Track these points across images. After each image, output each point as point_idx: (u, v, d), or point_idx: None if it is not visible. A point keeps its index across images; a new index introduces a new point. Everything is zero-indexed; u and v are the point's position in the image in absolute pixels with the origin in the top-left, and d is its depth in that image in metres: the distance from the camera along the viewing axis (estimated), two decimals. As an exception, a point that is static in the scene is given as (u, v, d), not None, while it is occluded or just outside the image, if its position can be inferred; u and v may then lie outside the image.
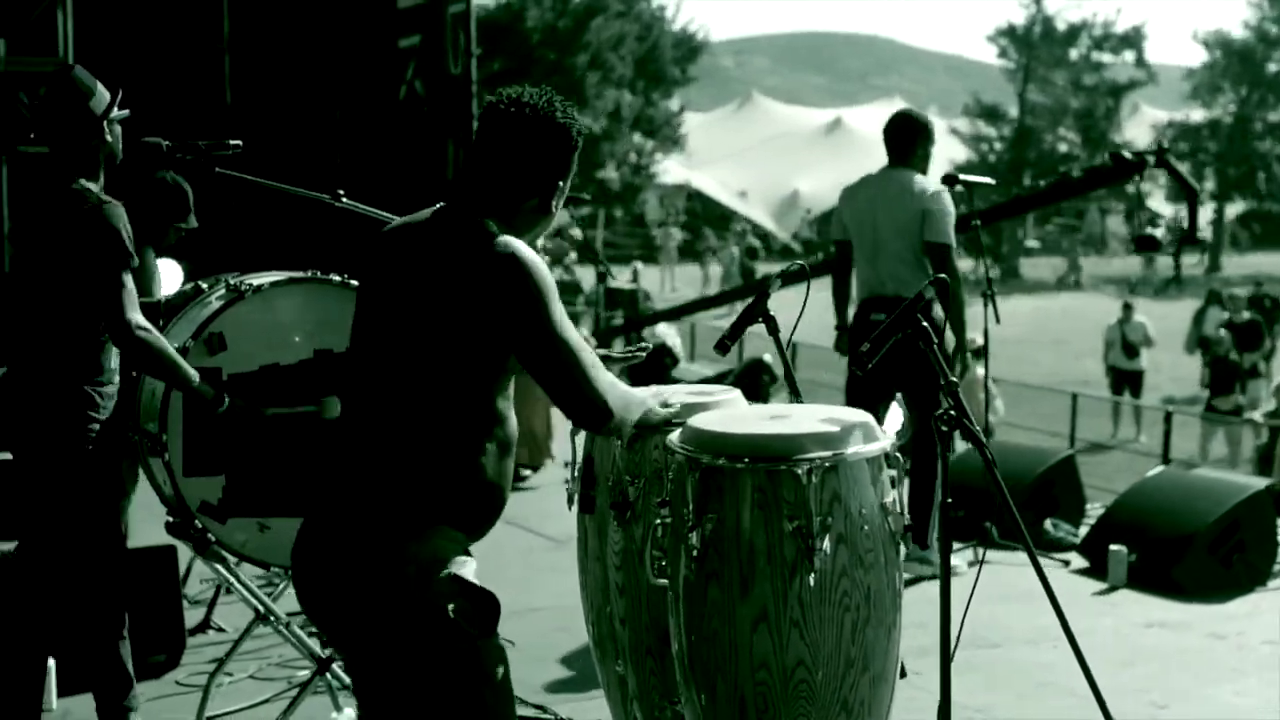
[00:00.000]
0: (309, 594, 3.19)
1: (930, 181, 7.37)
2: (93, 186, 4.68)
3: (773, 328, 4.06)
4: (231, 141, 5.15)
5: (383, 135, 15.79)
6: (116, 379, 4.85)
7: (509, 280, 3.07)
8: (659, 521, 3.53)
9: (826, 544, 3.32)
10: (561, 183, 3.28)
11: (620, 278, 31.68)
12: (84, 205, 4.61)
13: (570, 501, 4.05)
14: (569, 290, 21.30)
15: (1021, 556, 7.89)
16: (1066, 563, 7.90)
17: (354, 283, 5.16)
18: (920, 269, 7.24)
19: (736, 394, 4.00)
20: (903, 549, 3.47)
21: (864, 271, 7.47)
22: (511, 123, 3.24)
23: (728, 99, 72.84)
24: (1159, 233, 13.86)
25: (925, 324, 3.55)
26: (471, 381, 3.10)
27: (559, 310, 3.12)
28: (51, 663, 5.50)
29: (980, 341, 14.32)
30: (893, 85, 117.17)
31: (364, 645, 3.14)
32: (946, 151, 50.51)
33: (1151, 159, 9.42)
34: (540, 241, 9.56)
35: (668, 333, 16.59)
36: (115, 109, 4.81)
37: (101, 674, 4.94)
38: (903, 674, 3.87)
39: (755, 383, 13.79)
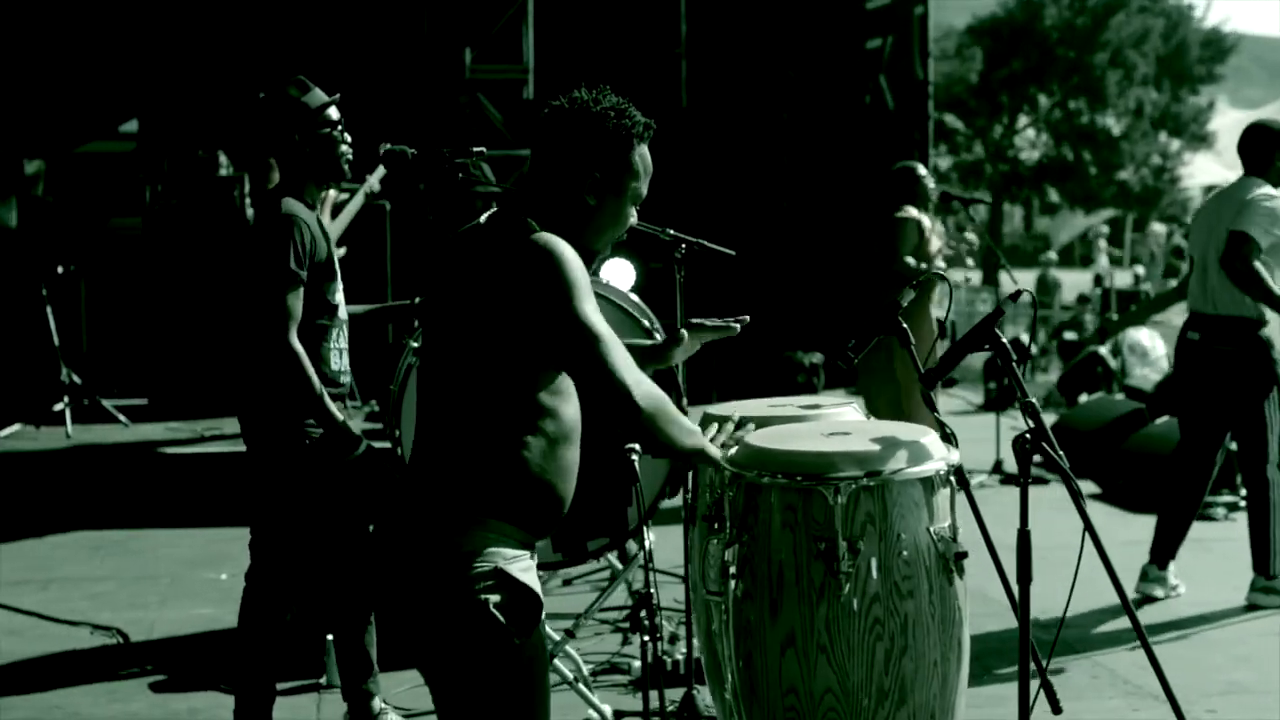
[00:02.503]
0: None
1: (1273, 189, 6.83)
2: (291, 199, 4.82)
3: (904, 340, 3.85)
4: (475, 148, 5.32)
5: (839, 137, 15.83)
6: (345, 380, 5.03)
7: (537, 269, 3.08)
8: (714, 537, 3.44)
9: (859, 567, 3.16)
10: (598, 173, 3.20)
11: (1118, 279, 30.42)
12: (270, 213, 4.79)
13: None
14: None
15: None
16: None
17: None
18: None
19: (850, 407, 3.84)
20: (958, 579, 3.26)
21: (1194, 287, 7.03)
22: (548, 119, 3.26)
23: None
24: None
25: (1004, 341, 3.32)
26: (509, 374, 3.12)
27: (588, 301, 3.08)
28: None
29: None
30: None
31: (412, 634, 3.21)
32: None
33: None
34: (936, 244, 9.35)
35: (1140, 335, 15.88)
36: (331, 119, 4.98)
37: (345, 658, 5.22)
38: (1056, 710, 3.63)
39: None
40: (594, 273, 5.53)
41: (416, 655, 3.24)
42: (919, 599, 3.20)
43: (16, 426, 10.39)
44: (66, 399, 10.07)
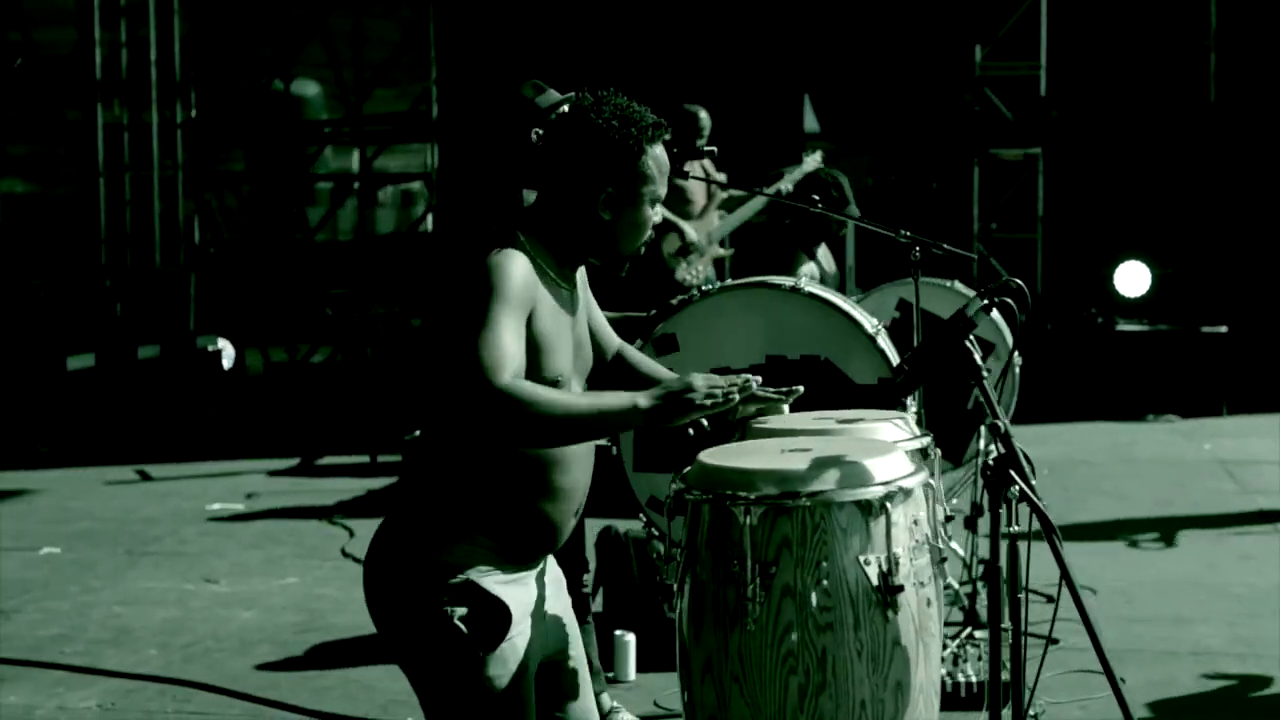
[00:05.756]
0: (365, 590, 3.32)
1: None
2: (529, 194, 4.97)
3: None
4: (705, 147, 5.28)
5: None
6: None
7: (465, 278, 2.99)
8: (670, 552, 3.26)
9: (772, 594, 2.93)
10: (610, 189, 3.07)
11: None
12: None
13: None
14: None
15: None
16: None
17: (807, 288, 5.09)
18: None
19: (890, 423, 3.52)
20: (893, 614, 2.95)
21: None
22: (551, 132, 3.18)
23: None
24: None
25: (976, 358, 2.96)
26: None
27: (502, 315, 2.91)
28: (631, 637, 5.93)
29: None
30: None
31: (390, 642, 3.25)
32: None
33: None
34: None
35: None
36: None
37: None
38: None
39: None
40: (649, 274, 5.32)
41: (397, 661, 3.26)
42: (840, 633, 2.92)
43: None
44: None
